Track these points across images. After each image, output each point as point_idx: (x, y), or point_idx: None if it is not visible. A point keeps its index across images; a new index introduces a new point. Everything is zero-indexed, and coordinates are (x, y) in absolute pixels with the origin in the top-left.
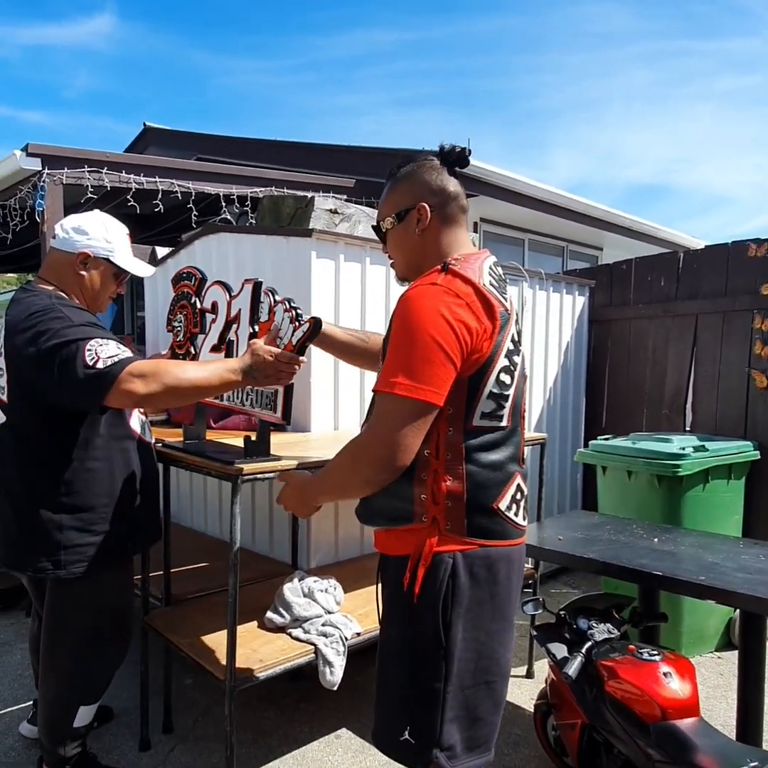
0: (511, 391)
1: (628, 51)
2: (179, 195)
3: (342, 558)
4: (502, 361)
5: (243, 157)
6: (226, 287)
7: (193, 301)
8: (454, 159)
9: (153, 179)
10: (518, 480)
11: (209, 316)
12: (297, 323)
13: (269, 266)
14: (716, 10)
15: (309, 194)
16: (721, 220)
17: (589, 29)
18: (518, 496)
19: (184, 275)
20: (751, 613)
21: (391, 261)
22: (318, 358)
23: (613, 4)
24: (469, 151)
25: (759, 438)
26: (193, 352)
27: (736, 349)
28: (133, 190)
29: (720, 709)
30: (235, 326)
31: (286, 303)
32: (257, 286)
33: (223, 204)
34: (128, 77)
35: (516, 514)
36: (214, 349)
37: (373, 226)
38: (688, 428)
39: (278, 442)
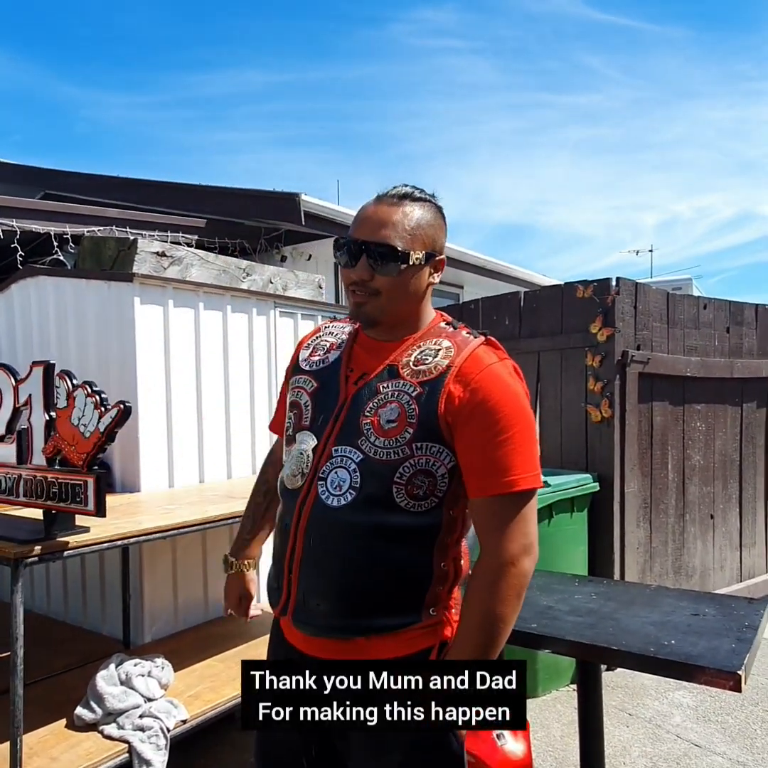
0: None
1: (492, 101)
2: (0, 234)
3: (183, 626)
4: None
5: (96, 195)
6: (10, 371)
7: None
8: None
9: None
10: None
11: None
12: (102, 409)
13: (92, 313)
14: (565, 67)
15: (132, 236)
16: (580, 258)
17: (456, 79)
18: None
19: None
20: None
21: (362, 292)
22: (147, 407)
23: (475, 58)
24: None
25: (598, 470)
26: None
27: (574, 384)
28: None
29: (575, 746)
30: (26, 413)
31: (88, 387)
32: (49, 369)
33: (56, 244)
34: None
35: None
36: (0, 439)
37: (345, 241)
38: None
39: None
